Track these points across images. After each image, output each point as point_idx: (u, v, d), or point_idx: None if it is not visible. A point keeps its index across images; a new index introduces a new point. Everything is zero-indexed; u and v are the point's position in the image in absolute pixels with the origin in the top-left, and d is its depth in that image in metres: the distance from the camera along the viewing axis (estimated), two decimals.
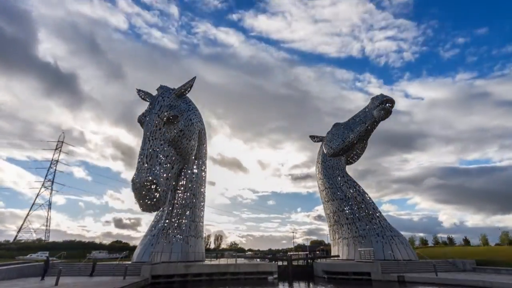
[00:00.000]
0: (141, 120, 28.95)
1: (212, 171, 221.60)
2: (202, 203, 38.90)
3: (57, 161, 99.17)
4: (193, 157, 34.70)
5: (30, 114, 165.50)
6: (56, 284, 20.31)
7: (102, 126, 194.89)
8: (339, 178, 41.44)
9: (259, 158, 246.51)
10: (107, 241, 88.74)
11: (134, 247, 49.15)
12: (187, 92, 31.45)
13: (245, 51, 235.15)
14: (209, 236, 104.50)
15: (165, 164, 26.15)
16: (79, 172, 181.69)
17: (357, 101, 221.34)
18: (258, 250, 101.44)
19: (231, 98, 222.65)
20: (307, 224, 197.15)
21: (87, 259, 37.55)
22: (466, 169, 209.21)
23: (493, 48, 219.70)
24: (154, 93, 31.44)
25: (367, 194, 39.31)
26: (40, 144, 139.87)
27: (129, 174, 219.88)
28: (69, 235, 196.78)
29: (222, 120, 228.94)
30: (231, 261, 34.72)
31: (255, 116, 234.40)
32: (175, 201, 34.95)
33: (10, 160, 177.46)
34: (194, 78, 31.07)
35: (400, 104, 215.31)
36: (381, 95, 38.49)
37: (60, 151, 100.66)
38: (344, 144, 41.37)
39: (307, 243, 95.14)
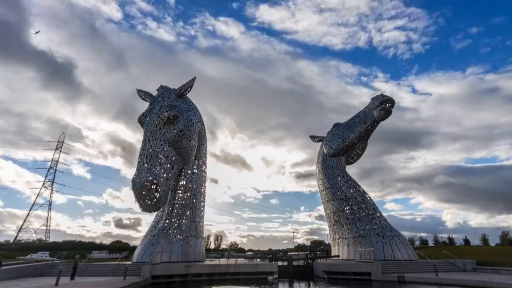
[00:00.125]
0: (141, 120, 29.01)
1: (215, 169, 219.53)
2: (202, 203, 38.93)
3: (57, 161, 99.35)
4: (193, 157, 34.72)
5: (26, 108, 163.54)
6: (56, 284, 20.32)
7: (100, 121, 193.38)
8: (339, 178, 41.47)
9: (261, 156, 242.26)
10: (107, 241, 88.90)
11: (134, 247, 49.19)
12: (187, 92, 31.53)
13: (245, 44, 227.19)
14: (209, 236, 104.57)
15: (165, 164, 26.18)
16: (77, 170, 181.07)
17: (362, 97, 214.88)
18: (259, 250, 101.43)
19: (231, 93, 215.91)
20: (309, 224, 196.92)
21: (87, 260, 37.57)
22: (472, 167, 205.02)
23: (508, 39, 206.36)
24: (152, 92, 31.51)
25: (367, 194, 39.34)
26: (39, 144, 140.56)
27: (128, 172, 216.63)
28: (68, 235, 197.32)
29: (221, 116, 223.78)
30: (231, 261, 34.72)
31: (255, 112, 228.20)
32: (175, 201, 34.96)
33: (6, 158, 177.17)
34: (194, 79, 31.14)
35: (407, 100, 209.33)
36: (381, 95, 38.52)
37: (61, 151, 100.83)
38: (344, 144, 41.40)
39: (308, 243, 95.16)
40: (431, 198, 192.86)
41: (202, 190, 38.57)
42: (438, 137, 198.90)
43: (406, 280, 25.66)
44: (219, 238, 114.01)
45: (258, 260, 41.68)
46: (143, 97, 32.09)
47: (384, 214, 38.45)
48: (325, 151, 44.22)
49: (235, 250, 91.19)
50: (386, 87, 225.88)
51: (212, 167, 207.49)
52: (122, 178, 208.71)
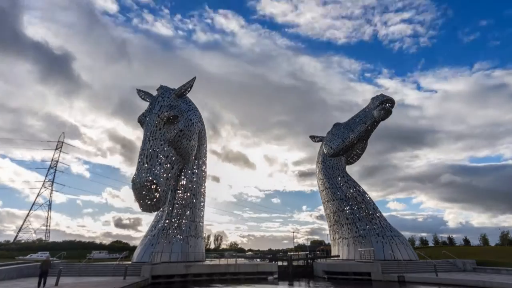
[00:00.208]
0: (141, 120, 29.03)
1: (216, 167, 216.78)
2: (202, 203, 38.94)
3: (57, 161, 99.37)
4: (193, 157, 34.73)
5: (22, 103, 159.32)
6: (56, 284, 20.34)
7: (98, 117, 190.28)
8: (339, 178, 41.48)
9: (263, 154, 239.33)
10: (107, 241, 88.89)
11: (134, 247, 49.19)
12: (187, 92, 31.56)
13: (246, 38, 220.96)
14: (209, 236, 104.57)
15: (165, 164, 26.20)
16: (76, 168, 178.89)
17: (366, 94, 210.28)
18: (258, 250, 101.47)
19: (231, 89, 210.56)
20: (310, 223, 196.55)
21: (87, 259, 37.55)
22: (476, 167, 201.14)
23: None
24: (152, 89, 31.54)
25: (367, 194, 39.35)
26: (39, 143, 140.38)
27: (128, 170, 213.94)
28: (68, 234, 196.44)
29: (222, 112, 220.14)
30: (231, 261, 34.73)
31: (256, 109, 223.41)
32: (175, 201, 34.96)
33: (3, 156, 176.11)
34: (194, 78, 31.19)
35: (411, 97, 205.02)
36: (381, 95, 38.52)
37: (61, 151, 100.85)
38: (344, 144, 41.41)
39: (308, 243, 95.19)
40: (433, 197, 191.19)
41: (202, 190, 38.58)
42: (442, 135, 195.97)
43: (406, 280, 25.66)
44: (219, 238, 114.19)
45: (258, 260, 41.72)
46: (143, 97, 32.13)
47: (386, 214, 38.55)
48: (325, 151, 44.23)
49: (235, 250, 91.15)
50: (390, 84, 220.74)
51: (213, 165, 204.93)
52: (121, 177, 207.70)
